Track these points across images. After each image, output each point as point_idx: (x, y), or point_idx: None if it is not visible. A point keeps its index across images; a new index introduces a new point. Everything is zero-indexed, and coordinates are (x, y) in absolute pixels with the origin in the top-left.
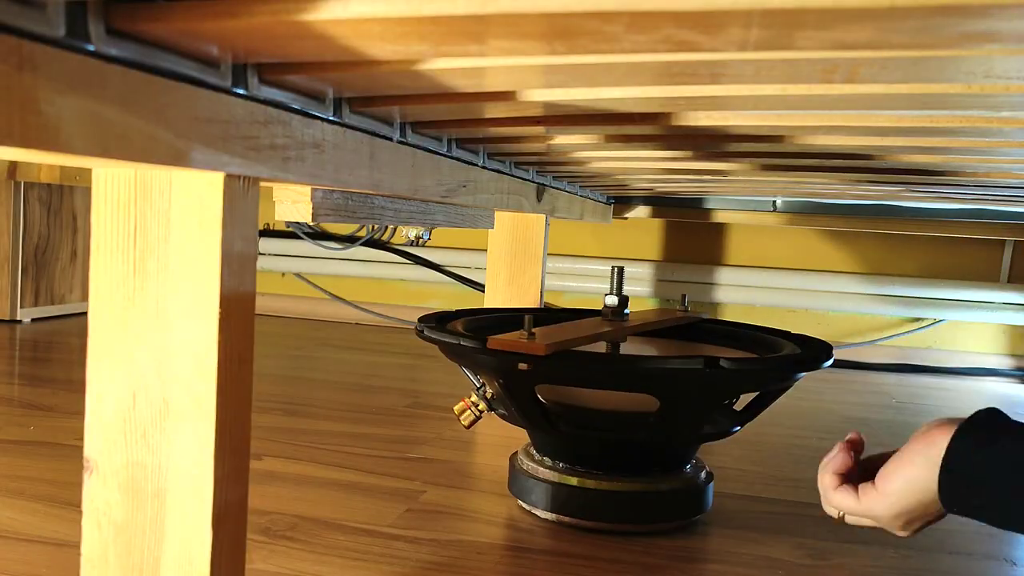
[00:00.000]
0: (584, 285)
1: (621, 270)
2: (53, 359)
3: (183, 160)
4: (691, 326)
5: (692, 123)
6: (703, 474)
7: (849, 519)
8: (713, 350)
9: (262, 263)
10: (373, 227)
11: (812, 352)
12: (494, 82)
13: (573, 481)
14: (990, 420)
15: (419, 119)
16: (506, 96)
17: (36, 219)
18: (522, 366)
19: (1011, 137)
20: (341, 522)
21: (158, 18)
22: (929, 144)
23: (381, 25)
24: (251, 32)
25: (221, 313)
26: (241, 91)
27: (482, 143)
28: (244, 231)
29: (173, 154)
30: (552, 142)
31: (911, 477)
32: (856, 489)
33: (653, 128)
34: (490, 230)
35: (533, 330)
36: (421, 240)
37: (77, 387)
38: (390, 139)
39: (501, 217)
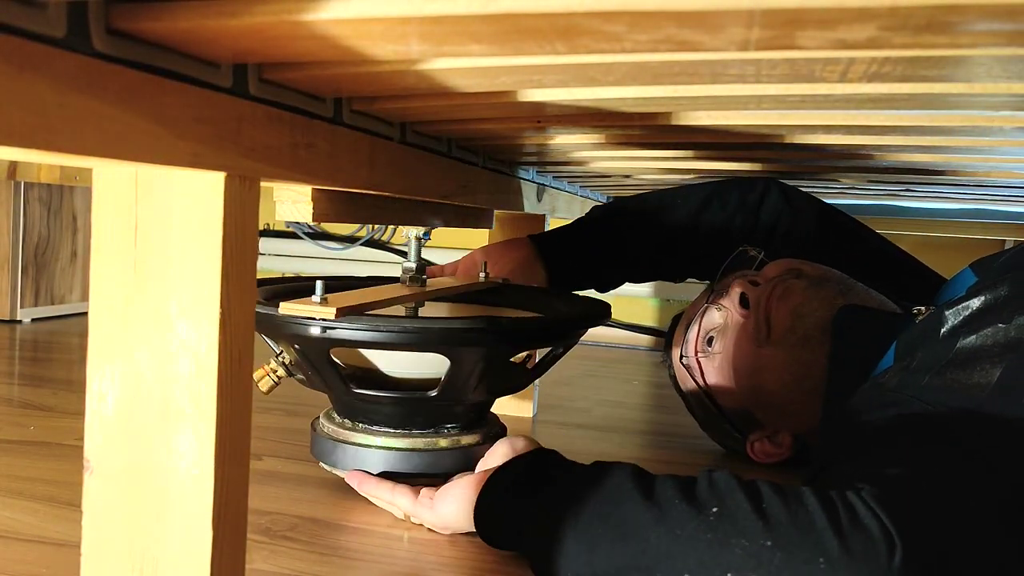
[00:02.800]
0: None
1: (419, 239)
2: (53, 359)
3: (183, 160)
4: (493, 291)
5: (693, 123)
6: (497, 430)
7: (413, 519)
8: (505, 312)
9: (262, 263)
10: (373, 227)
11: (588, 311)
12: (495, 82)
13: (373, 441)
14: (528, 464)
15: (419, 119)
16: (506, 96)
17: (36, 219)
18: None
19: (1011, 136)
20: (341, 522)
21: (158, 18)
22: (929, 143)
23: (382, 25)
24: (251, 32)
25: (221, 313)
26: (241, 91)
27: (482, 143)
28: (244, 231)
29: (173, 154)
30: (552, 142)
31: (456, 508)
32: (417, 493)
33: (654, 128)
34: (490, 230)
35: (326, 296)
36: (421, 240)
37: (77, 387)
38: (390, 139)
39: (501, 217)
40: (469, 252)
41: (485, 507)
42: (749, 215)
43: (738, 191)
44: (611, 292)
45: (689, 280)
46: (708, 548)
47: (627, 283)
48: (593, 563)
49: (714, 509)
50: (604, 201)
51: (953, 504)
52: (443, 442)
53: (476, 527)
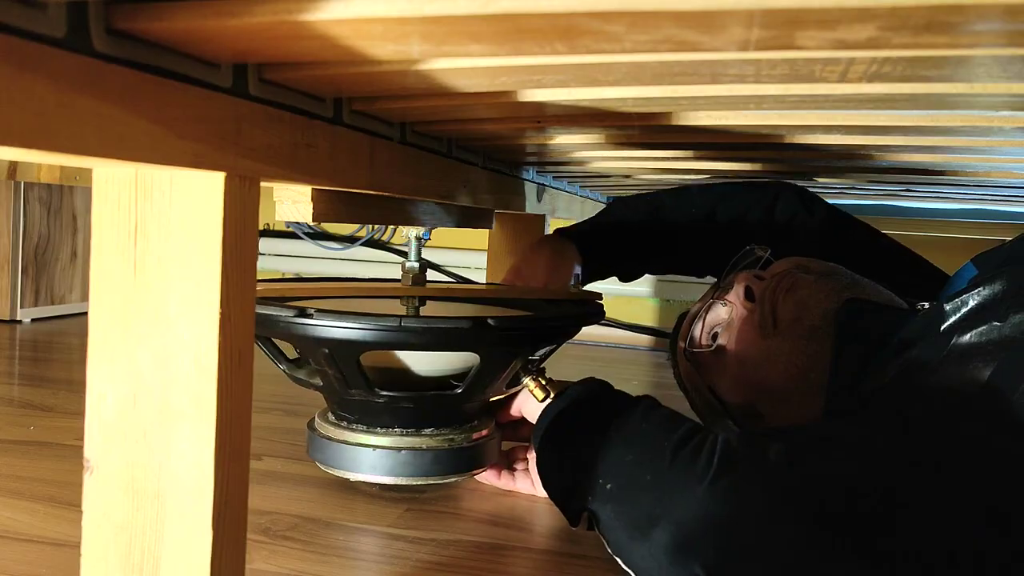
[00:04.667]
0: (594, 284)
1: (420, 239)
2: (53, 359)
3: (183, 160)
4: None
5: (693, 123)
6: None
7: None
8: (496, 312)
9: (262, 263)
10: (373, 227)
11: (581, 311)
12: (495, 82)
13: (386, 442)
14: (581, 393)
15: (419, 119)
16: (507, 96)
17: (36, 219)
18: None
19: (1011, 136)
20: (341, 522)
21: (159, 18)
22: (929, 143)
23: (382, 25)
24: (251, 32)
25: (221, 313)
26: (241, 91)
27: (482, 143)
28: (244, 231)
29: (173, 154)
30: (552, 142)
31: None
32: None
33: (654, 128)
34: (490, 230)
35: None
36: (421, 240)
37: (77, 387)
38: (390, 139)
39: (501, 217)
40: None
41: (541, 447)
42: (766, 212)
43: (754, 191)
44: (611, 292)
45: (692, 280)
46: (602, 455)
47: (650, 274)
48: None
49: (625, 424)
50: (605, 202)
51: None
52: (458, 438)
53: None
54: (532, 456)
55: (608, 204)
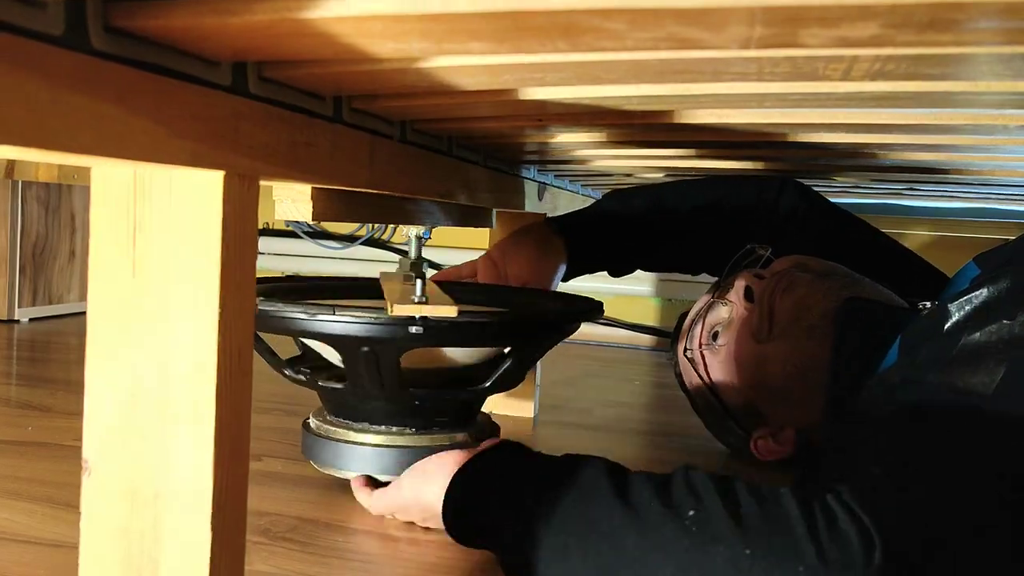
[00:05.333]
0: (588, 284)
1: (420, 238)
2: (51, 359)
3: (182, 159)
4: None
5: (695, 121)
6: (489, 427)
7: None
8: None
9: (262, 262)
10: (373, 226)
11: (572, 308)
12: (496, 80)
13: (401, 441)
14: (497, 457)
15: (420, 117)
16: (508, 94)
17: (34, 218)
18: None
19: (1015, 135)
20: (342, 524)
21: (157, 16)
22: (933, 142)
23: (383, 23)
24: (251, 30)
25: (221, 313)
26: (241, 89)
27: (483, 141)
28: (244, 230)
29: (172, 153)
30: (554, 141)
31: (434, 486)
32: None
33: (656, 126)
34: (491, 229)
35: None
36: (422, 239)
37: (75, 387)
38: (391, 138)
39: (502, 217)
40: (484, 252)
41: (455, 497)
42: (768, 207)
43: (757, 184)
44: (612, 291)
45: (693, 279)
46: (686, 554)
47: (642, 271)
48: (568, 570)
49: (691, 513)
50: None
51: (942, 503)
52: (443, 439)
53: (444, 517)
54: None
55: (603, 196)
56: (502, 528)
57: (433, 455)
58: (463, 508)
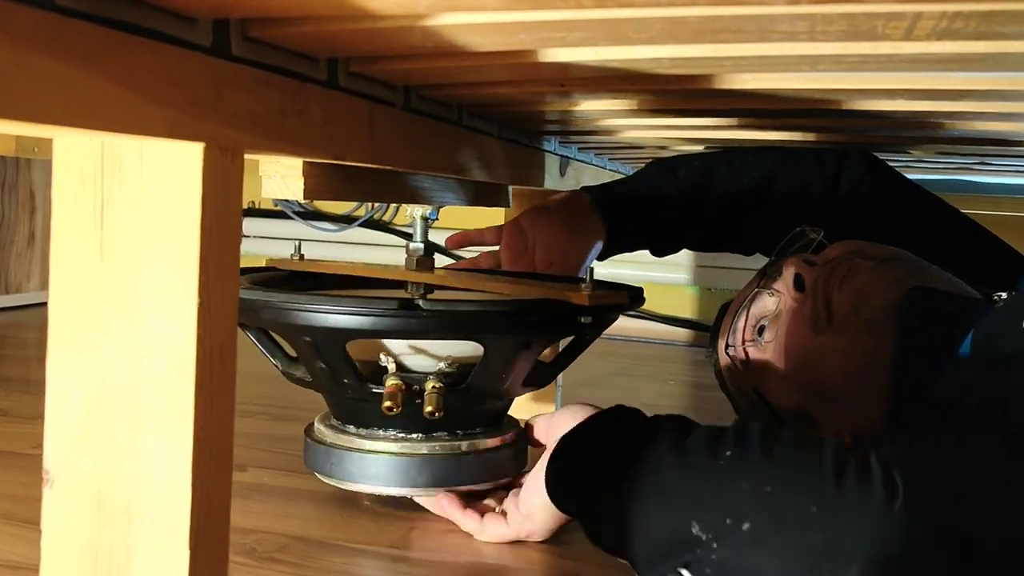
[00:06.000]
0: (615, 271)
1: (426, 219)
2: (8, 356)
3: (156, 128)
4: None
5: (738, 86)
6: (519, 431)
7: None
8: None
9: (246, 246)
10: (373, 206)
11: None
12: (512, 40)
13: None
14: (604, 419)
15: (426, 82)
16: (525, 56)
17: None
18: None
19: None
20: (337, 542)
21: None
22: (1007, 110)
23: None
24: None
25: (200, 303)
26: (223, 50)
27: (497, 110)
28: (226, 210)
29: (145, 121)
30: (577, 109)
31: (538, 502)
32: (500, 514)
33: (693, 92)
34: (506, 209)
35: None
36: (428, 221)
37: (35, 387)
38: (393, 105)
39: (519, 195)
40: (512, 219)
41: (554, 479)
42: (828, 180)
43: (815, 154)
44: (643, 279)
45: (735, 266)
46: (711, 491)
47: (690, 249)
48: (618, 509)
49: (727, 453)
50: None
51: (987, 476)
52: (463, 445)
53: (551, 498)
54: (516, 497)
55: (645, 166)
56: (592, 494)
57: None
58: (564, 470)
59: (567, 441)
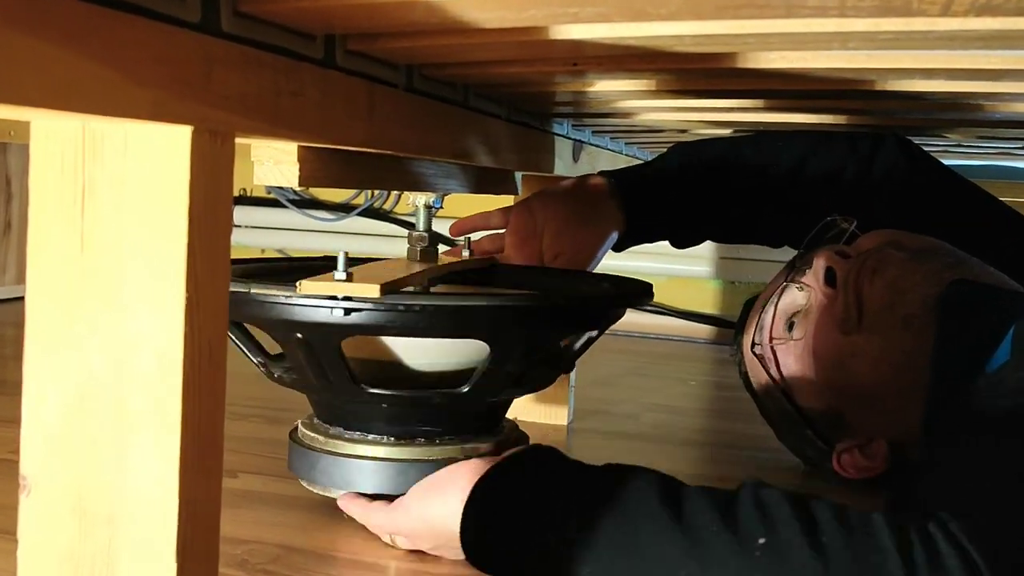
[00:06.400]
0: (630, 263)
1: (429, 207)
2: None
3: (141, 110)
4: (486, 270)
5: (763, 66)
6: (517, 435)
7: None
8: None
9: (238, 237)
10: (372, 193)
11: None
12: (521, 16)
13: (371, 452)
14: (523, 462)
15: (430, 61)
16: (536, 33)
17: None
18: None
19: None
20: (334, 552)
21: None
22: None
23: None
24: None
25: (188, 298)
26: (212, 27)
27: (506, 90)
28: (216, 197)
29: (129, 103)
30: (592, 89)
31: (445, 507)
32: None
33: (715, 72)
34: (515, 197)
35: (350, 270)
36: (432, 209)
37: (11, 388)
38: (394, 86)
39: (529, 181)
40: (521, 200)
41: (474, 516)
42: (862, 165)
43: (848, 138)
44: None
45: (761, 257)
46: None
47: (714, 241)
48: None
49: (760, 541)
50: None
51: None
52: (456, 451)
53: (462, 540)
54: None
55: (668, 150)
56: (531, 554)
57: (445, 467)
58: (486, 526)
59: (506, 467)
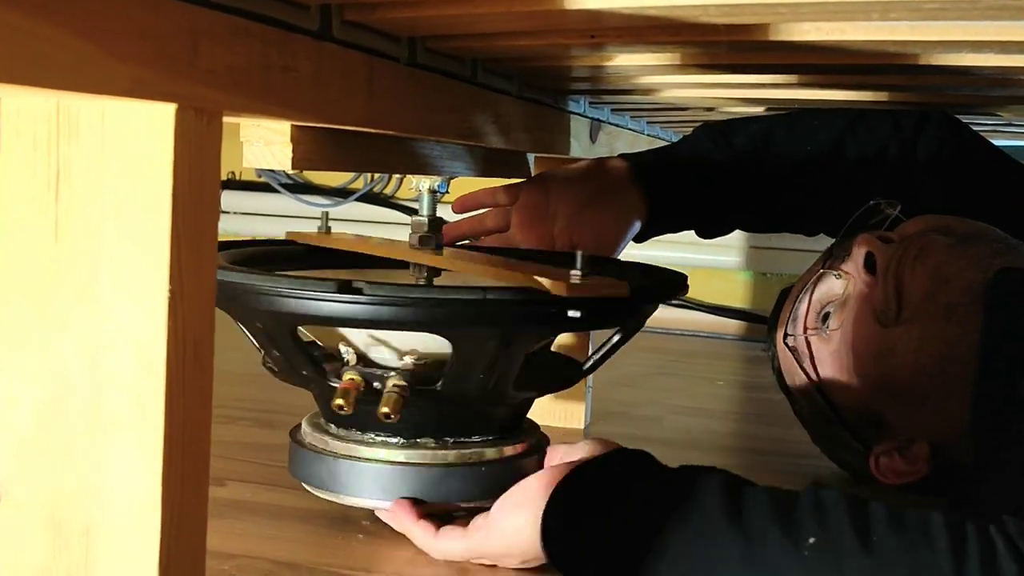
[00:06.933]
0: (653, 253)
1: (434, 192)
2: None
3: (121, 87)
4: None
5: (797, 38)
6: (540, 438)
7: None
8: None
9: (225, 224)
10: (372, 177)
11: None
12: None
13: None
14: (602, 467)
15: (435, 33)
16: (550, 2)
17: None
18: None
19: None
20: (330, 568)
21: None
22: None
23: None
24: None
25: (171, 290)
26: None
27: (517, 65)
28: (202, 181)
29: (108, 79)
30: (611, 64)
31: (525, 520)
32: (461, 527)
33: (745, 45)
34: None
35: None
36: (436, 194)
37: None
38: (395, 60)
39: (542, 164)
40: (534, 176)
41: (554, 519)
42: (906, 145)
43: (891, 116)
44: (688, 263)
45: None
46: None
47: (745, 230)
48: None
49: (811, 540)
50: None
51: None
52: (488, 452)
53: (542, 541)
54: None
55: (694, 130)
56: (604, 557)
57: (516, 486)
58: (565, 527)
59: (585, 473)
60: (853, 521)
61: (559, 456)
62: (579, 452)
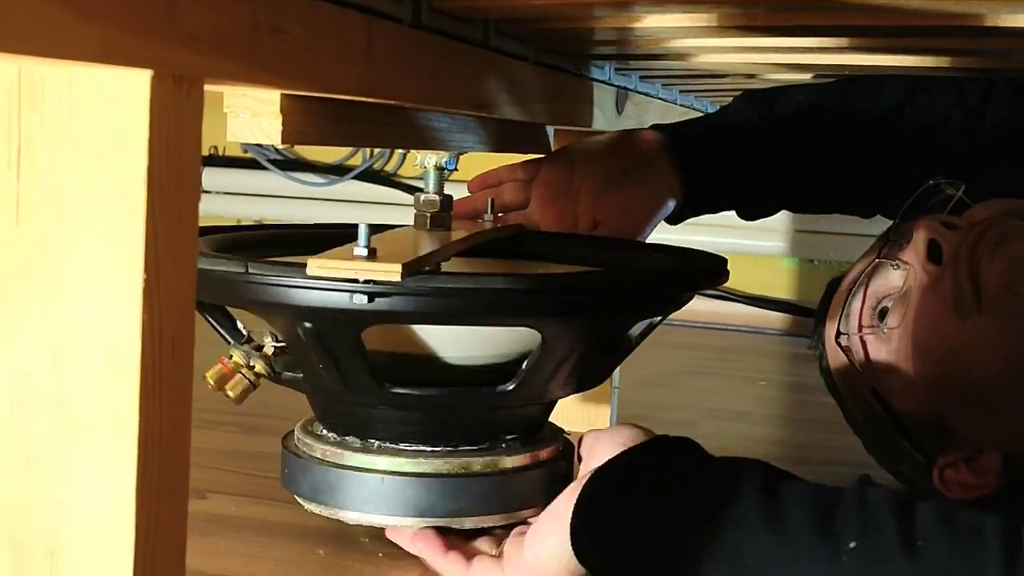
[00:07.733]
0: (689, 237)
1: (441, 169)
2: None
3: (90, 51)
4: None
5: None
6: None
7: None
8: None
9: (208, 205)
10: (371, 153)
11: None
12: None
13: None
14: (629, 464)
15: None
16: None
17: None
18: None
19: None
20: None
21: None
22: None
23: None
24: None
25: (146, 280)
26: None
27: (534, 27)
28: (181, 157)
29: (76, 42)
30: (640, 25)
31: (560, 540)
32: (496, 558)
33: (788, 5)
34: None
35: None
36: (444, 171)
37: None
38: (397, 20)
39: (562, 137)
40: (557, 149)
41: (583, 521)
42: (970, 117)
43: (954, 83)
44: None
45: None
46: None
47: (791, 210)
48: None
49: (851, 544)
50: None
51: None
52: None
53: (573, 546)
54: (521, 537)
55: (734, 99)
56: (634, 553)
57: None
58: (592, 526)
59: (609, 475)
60: (899, 524)
61: (587, 445)
62: (608, 442)
